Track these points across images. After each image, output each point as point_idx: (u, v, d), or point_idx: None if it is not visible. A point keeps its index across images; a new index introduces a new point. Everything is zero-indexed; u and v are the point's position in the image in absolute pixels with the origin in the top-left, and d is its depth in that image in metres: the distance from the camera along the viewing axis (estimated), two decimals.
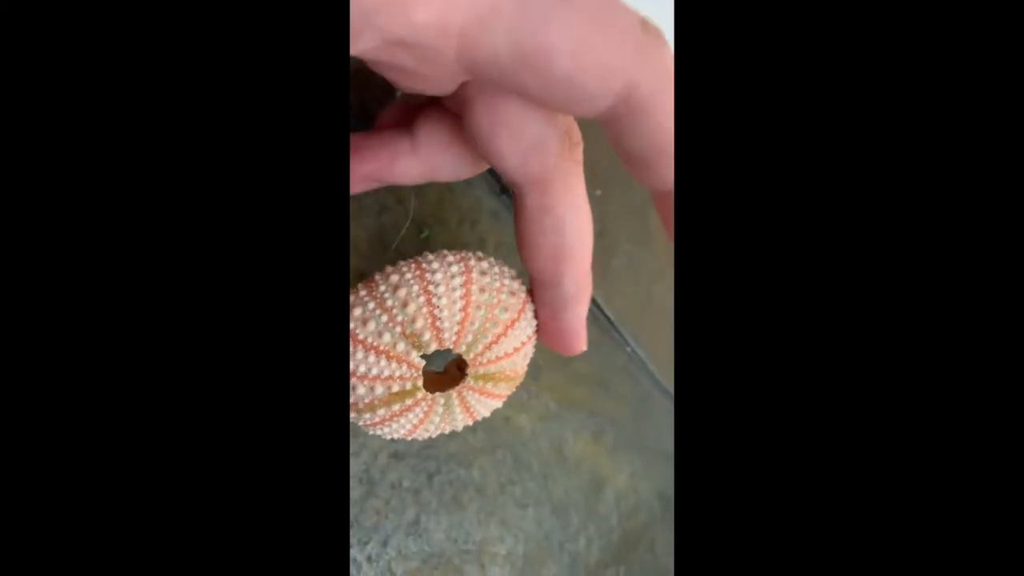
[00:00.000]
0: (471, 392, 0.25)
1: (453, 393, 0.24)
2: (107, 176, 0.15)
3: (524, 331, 0.25)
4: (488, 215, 0.34)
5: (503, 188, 0.34)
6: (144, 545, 0.15)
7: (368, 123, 0.27)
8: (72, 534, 0.15)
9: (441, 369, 0.28)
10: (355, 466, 0.30)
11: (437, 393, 0.24)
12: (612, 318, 0.39)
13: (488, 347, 0.24)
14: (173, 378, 0.15)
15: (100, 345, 0.15)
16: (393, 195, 0.31)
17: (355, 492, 0.30)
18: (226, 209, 0.15)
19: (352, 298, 0.25)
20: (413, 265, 0.24)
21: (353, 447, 0.30)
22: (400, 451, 0.31)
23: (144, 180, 0.15)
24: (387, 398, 0.23)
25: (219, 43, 0.15)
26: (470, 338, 0.23)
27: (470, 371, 0.24)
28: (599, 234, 0.39)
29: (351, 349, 0.23)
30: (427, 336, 0.23)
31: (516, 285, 0.25)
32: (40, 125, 0.15)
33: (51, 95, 0.15)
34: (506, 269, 0.25)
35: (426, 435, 0.26)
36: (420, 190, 0.32)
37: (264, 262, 0.16)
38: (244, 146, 0.15)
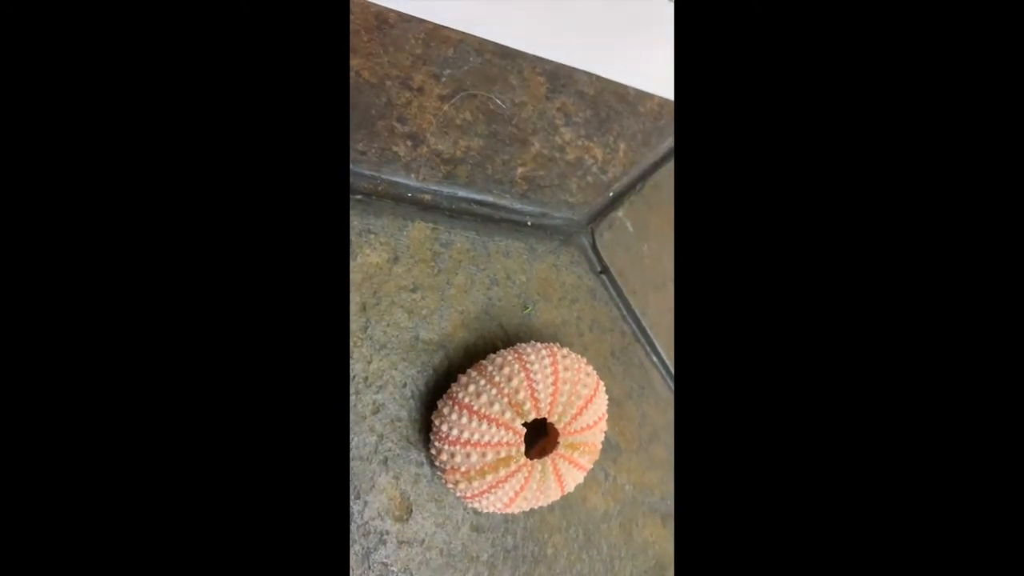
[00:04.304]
0: (562, 460, 0.29)
1: (548, 460, 0.28)
2: (123, 181, 0.15)
3: (600, 408, 0.30)
4: (587, 293, 0.34)
5: (603, 268, 0.35)
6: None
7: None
8: (69, 538, 0.15)
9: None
10: (439, 538, 0.30)
11: (535, 460, 0.28)
12: None
13: (574, 418, 0.28)
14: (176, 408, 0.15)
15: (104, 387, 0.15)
16: (503, 270, 0.31)
17: (434, 563, 0.30)
18: (227, 219, 0.15)
19: (464, 378, 0.29)
20: (511, 350, 0.29)
21: (438, 519, 0.30)
22: (482, 524, 0.31)
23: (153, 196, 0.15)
24: (494, 463, 0.27)
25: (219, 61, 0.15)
26: (560, 408, 0.28)
27: (561, 439, 0.28)
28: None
29: (466, 420, 0.27)
30: (528, 405, 0.27)
31: (590, 369, 0.30)
32: (44, 125, 0.14)
33: (63, 96, 0.14)
34: (581, 356, 0.30)
35: (518, 510, 0.29)
36: (530, 267, 0.32)
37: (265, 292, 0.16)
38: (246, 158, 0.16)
